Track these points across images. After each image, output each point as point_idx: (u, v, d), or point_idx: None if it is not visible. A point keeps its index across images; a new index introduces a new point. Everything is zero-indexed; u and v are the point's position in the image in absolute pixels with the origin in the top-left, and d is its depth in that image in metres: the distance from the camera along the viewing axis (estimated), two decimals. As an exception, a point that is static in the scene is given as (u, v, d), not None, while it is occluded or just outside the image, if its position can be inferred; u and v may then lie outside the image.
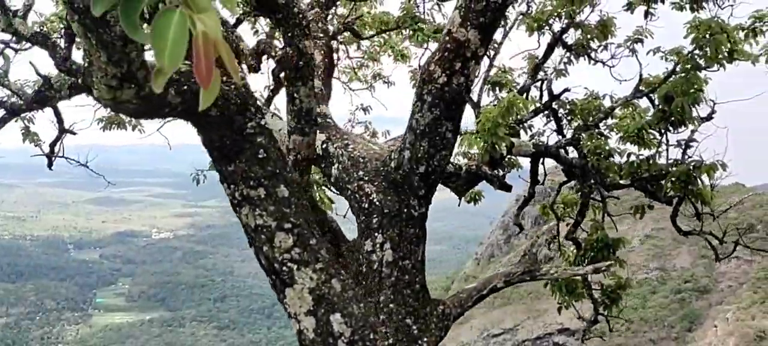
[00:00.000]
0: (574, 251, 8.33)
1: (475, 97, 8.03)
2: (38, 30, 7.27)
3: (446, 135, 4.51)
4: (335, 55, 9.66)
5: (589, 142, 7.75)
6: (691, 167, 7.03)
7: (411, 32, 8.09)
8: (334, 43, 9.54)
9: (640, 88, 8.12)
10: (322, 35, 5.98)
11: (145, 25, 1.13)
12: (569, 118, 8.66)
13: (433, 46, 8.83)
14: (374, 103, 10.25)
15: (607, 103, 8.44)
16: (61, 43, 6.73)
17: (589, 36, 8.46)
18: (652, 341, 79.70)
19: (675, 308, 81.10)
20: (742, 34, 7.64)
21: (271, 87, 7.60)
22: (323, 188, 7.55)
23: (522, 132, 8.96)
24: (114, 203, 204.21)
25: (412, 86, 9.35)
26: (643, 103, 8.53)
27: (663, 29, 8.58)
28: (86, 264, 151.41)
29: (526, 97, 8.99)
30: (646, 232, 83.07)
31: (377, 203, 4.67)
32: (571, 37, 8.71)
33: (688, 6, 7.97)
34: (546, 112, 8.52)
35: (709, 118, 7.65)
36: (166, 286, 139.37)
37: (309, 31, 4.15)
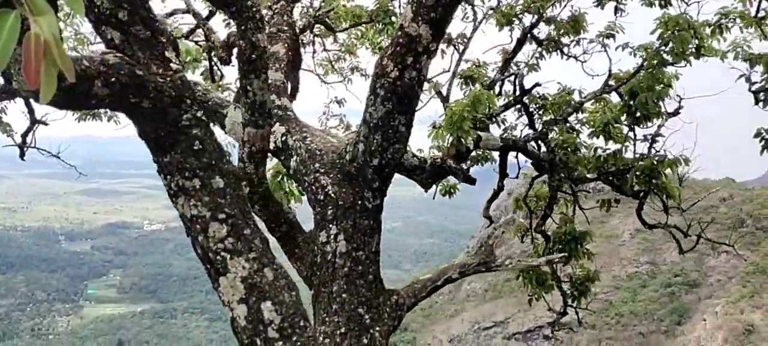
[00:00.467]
0: (543, 243, 8.43)
1: (444, 91, 8.12)
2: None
3: (399, 129, 4.57)
4: (311, 48, 9.73)
5: (557, 137, 7.84)
6: (655, 162, 7.12)
7: (381, 26, 8.15)
8: (310, 36, 9.60)
9: (610, 83, 8.21)
10: (286, 28, 6.03)
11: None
12: (541, 112, 8.76)
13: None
14: (349, 96, 10.31)
15: (578, 98, 8.54)
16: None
17: (560, 31, 8.55)
18: (642, 334, 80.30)
19: (665, 302, 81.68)
20: (708, 31, 7.74)
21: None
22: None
23: (495, 126, 9.06)
24: (105, 195, 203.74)
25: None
26: (617, 98, 8.64)
27: (640, 25, 8.67)
28: (77, 255, 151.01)
29: (499, 92, 9.09)
30: (636, 226, 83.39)
31: (332, 195, 4.74)
32: (544, 32, 8.82)
33: (657, 2, 8.07)
34: (517, 106, 8.61)
35: (675, 113, 7.75)
36: (158, 278, 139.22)
37: (262, 24, 4.20)
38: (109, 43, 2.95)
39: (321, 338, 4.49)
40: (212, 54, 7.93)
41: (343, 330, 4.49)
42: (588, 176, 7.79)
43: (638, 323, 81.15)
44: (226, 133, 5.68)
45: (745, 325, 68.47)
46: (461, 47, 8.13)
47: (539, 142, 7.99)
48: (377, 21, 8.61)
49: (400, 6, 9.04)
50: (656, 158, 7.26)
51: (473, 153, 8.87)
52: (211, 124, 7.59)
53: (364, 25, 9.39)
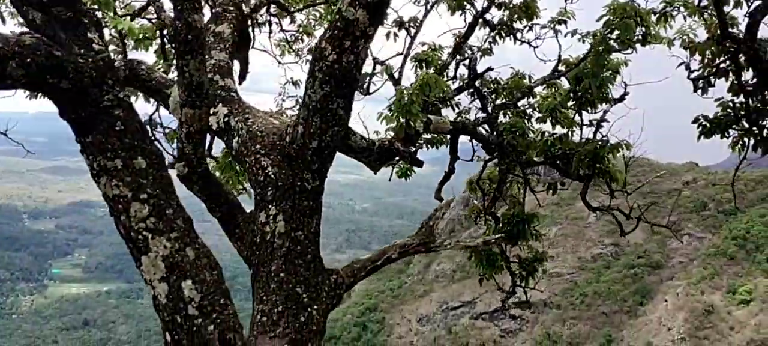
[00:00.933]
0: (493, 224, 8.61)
1: (396, 74, 8.19)
2: None
3: (338, 112, 4.64)
4: (267, 28, 9.70)
5: (506, 121, 7.99)
6: (598, 146, 7.31)
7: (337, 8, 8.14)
8: (266, 16, 9.57)
9: (560, 68, 8.37)
10: (232, 8, 6.02)
11: None
12: (493, 96, 8.89)
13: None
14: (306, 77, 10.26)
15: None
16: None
17: (513, 16, 8.66)
18: (605, 313, 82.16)
19: (628, 283, 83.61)
20: (654, 18, 7.92)
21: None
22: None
23: (449, 109, 9.17)
24: (70, 173, 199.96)
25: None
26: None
27: (596, 11, 8.81)
28: (41, 234, 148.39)
29: (453, 75, 9.19)
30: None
31: (272, 176, 4.80)
32: (497, 17, 8.92)
33: (606, -11, 8.21)
34: (470, 90, 8.73)
35: (621, 99, 7.93)
36: (124, 257, 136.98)
37: (199, 4, 4.21)
38: (31, 23, 2.95)
39: (258, 316, 4.57)
40: (164, 32, 7.87)
41: (280, 309, 4.57)
42: (535, 159, 7.95)
43: (602, 303, 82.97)
44: (170, 112, 5.67)
45: (705, 305, 70.51)
46: (413, 31, 8.19)
47: (489, 125, 8.13)
48: (333, 2, 8.61)
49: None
50: (599, 143, 7.44)
51: (427, 136, 9.01)
52: (156, 103, 7.54)
53: (321, 6, 9.39)
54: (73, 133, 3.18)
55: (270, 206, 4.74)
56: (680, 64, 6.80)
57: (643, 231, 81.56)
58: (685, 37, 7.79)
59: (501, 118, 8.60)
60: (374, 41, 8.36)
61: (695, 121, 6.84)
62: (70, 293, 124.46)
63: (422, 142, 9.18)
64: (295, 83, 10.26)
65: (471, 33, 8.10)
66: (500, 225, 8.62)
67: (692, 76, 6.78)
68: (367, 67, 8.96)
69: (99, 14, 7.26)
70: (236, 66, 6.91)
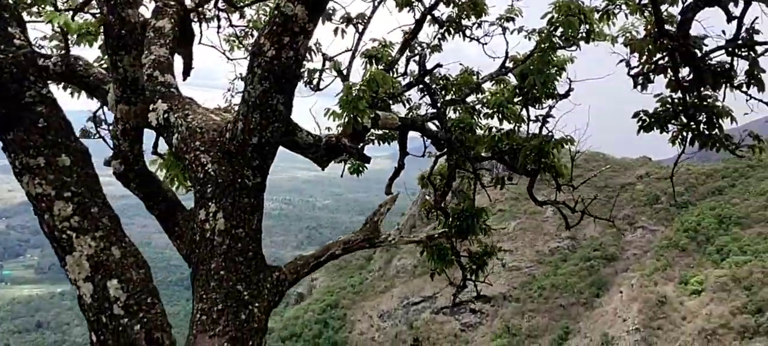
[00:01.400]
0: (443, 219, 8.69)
1: (345, 70, 8.20)
2: None
3: (278, 107, 4.61)
4: (215, 23, 9.58)
5: (454, 116, 8.07)
6: (543, 141, 7.44)
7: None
8: (214, 11, 9.44)
9: (507, 64, 8.49)
10: (173, 3, 5.93)
11: None
12: (443, 92, 8.97)
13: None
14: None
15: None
16: None
17: (462, 13, 8.74)
18: (563, 306, 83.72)
19: (584, 275, 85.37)
20: (598, 16, 8.10)
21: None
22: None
23: (400, 105, 9.21)
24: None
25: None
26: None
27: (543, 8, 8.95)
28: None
29: (404, 71, 9.24)
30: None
31: (212, 173, 4.75)
32: (447, 14, 8.98)
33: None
34: (420, 86, 8.79)
35: (566, 95, 8.10)
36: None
37: None
38: (-53, 18, 2.86)
39: (198, 315, 4.52)
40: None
41: (220, 307, 4.53)
42: (483, 154, 8.05)
43: (559, 295, 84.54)
44: (109, 109, 5.56)
45: (658, 296, 72.42)
46: (361, 27, 8.20)
47: (438, 121, 8.19)
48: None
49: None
50: (545, 138, 7.58)
51: (378, 132, 9.04)
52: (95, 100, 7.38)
53: (270, 1, 9.30)
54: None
55: (210, 203, 4.69)
56: (620, 61, 6.96)
57: (599, 224, 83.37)
58: (628, 34, 7.99)
59: (450, 114, 8.69)
60: (323, 37, 8.35)
61: (635, 115, 7.02)
62: (23, 295, 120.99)
63: (374, 138, 9.22)
64: (244, 79, 10.11)
65: (419, 29, 8.15)
66: (450, 220, 8.71)
67: (632, 72, 6.94)
68: (316, 64, 8.95)
69: (34, 9, 7.07)
70: (181, 62, 6.81)
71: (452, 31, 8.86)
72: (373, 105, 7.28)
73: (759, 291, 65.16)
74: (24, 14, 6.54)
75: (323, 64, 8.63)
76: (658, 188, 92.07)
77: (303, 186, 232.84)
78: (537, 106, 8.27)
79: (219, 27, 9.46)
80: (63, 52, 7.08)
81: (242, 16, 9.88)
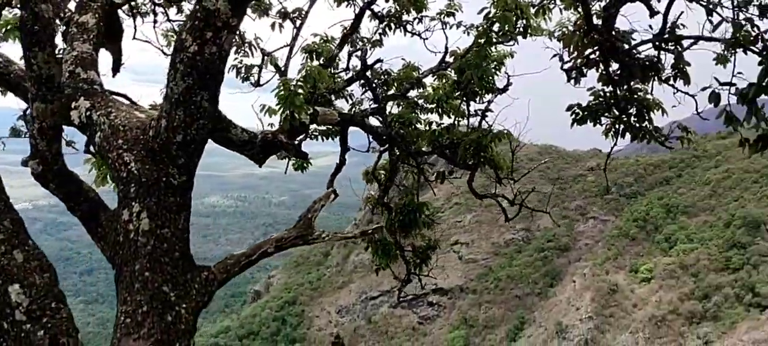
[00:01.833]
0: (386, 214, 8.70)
1: (283, 66, 8.11)
2: None
3: (203, 104, 4.52)
4: (153, 17, 9.35)
5: (395, 112, 8.08)
6: (481, 135, 7.51)
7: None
8: (150, 6, 9.22)
9: (447, 59, 8.53)
10: (98, -2, 5.74)
11: None
12: (384, 87, 8.97)
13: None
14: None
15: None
16: None
17: (402, 8, 8.75)
18: (518, 296, 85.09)
19: (538, 266, 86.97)
20: (534, 11, 8.20)
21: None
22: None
23: (343, 100, 9.17)
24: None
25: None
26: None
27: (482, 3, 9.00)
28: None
29: (346, 66, 9.20)
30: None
31: (135, 172, 4.62)
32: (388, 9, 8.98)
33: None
34: (361, 81, 8.77)
35: (504, 89, 8.18)
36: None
37: (47, -6, 4.00)
38: None
39: (122, 318, 4.40)
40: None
41: (145, 309, 4.42)
42: (424, 149, 8.09)
43: (515, 286, 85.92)
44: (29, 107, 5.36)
45: (609, 285, 74.23)
46: (299, 22, 8.12)
47: (380, 116, 8.19)
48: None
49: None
50: (483, 132, 7.65)
51: (321, 128, 8.98)
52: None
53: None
54: None
55: (133, 203, 4.56)
56: (554, 56, 7.07)
57: (554, 215, 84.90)
58: (564, 29, 8.12)
59: (393, 108, 8.69)
60: (262, 32, 8.24)
61: (569, 108, 7.14)
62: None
63: (317, 133, 9.15)
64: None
65: (358, 24, 8.12)
66: (393, 215, 8.72)
67: (565, 66, 7.06)
68: (256, 60, 8.83)
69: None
70: (110, 58, 6.61)
71: (393, 26, 8.87)
72: (312, 101, 7.22)
73: (705, 277, 67.40)
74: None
75: (262, 60, 8.52)
76: (610, 179, 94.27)
77: (259, 183, 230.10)
78: (477, 101, 8.35)
79: (155, 22, 9.24)
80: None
81: (180, 10, 9.67)
